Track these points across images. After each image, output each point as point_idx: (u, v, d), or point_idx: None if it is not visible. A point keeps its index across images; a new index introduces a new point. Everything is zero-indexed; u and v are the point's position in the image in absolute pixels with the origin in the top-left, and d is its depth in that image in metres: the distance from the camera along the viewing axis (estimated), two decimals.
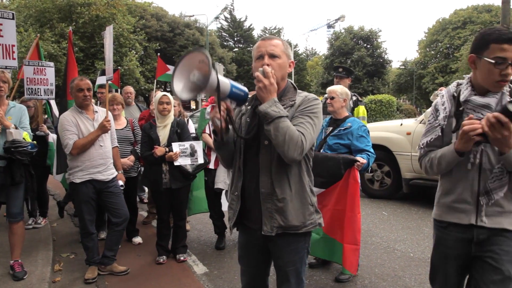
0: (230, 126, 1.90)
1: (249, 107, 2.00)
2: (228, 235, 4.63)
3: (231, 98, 1.83)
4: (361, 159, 3.25)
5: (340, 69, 5.10)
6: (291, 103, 1.89)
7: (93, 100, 3.97)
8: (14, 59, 3.56)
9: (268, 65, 1.82)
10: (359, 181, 3.25)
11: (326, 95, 5.13)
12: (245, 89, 1.87)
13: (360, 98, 4.94)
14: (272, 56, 1.85)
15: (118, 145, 4.17)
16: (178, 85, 1.74)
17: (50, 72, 4.90)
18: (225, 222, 4.49)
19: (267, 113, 1.73)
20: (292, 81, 2.02)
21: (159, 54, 7.58)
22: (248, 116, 1.97)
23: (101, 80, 6.84)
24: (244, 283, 2.20)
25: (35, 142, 3.60)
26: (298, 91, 1.98)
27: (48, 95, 4.91)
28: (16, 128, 3.43)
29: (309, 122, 1.83)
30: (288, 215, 1.87)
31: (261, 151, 1.90)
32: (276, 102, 1.76)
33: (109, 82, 4.20)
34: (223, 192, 4.27)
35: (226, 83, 1.77)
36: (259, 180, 1.89)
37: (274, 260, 2.07)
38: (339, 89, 3.64)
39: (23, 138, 3.41)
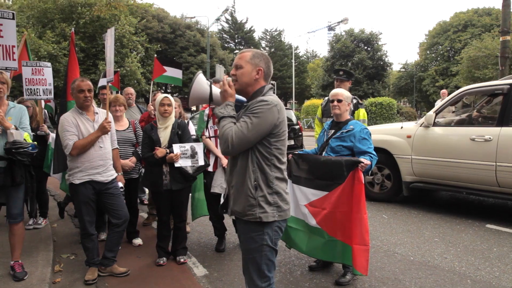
0: None
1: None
2: (228, 238, 4.62)
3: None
4: (365, 160, 3.25)
5: (341, 72, 5.11)
6: (246, 105, 2.16)
7: (93, 101, 3.98)
8: (14, 60, 3.51)
9: (234, 75, 2.19)
10: (363, 181, 3.24)
11: (326, 98, 5.12)
12: (243, 98, 2.24)
13: (360, 101, 4.95)
14: (236, 67, 2.19)
15: (120, 147, 4.18)
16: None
17: (48, 72, 4.95)
18: (225, 225, 4.49)
19: (216, 114, 2.11)
20: (270, 87, 2.23)
21: (156, 55, 7.56)
22: None
23: (102, 82, 6.85)
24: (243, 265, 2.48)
25: (35, 142, 3.59)
26: (264, 96, 2.15)
27: (47, 95, 4.95)
28: (17, 129, 3.43)
29: (245, 121, 2.04)
30: (234, 201, 2.20)
31: None
32: (228, 105, 2.10)
33: (109, 84, 4.21)
34: (222, 194, 4.26)
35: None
36: None
37: None
38: (345, 93, 3.70)
39: (24, 139, 3.41)
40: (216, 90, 2.17)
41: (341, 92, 3.69)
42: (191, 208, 4.61)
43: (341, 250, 3.33)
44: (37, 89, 4.86)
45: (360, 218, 3.16)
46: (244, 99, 2.23)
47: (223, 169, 4.19)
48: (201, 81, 2.19)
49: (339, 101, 3.62)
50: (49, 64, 5.09)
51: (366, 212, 3.20)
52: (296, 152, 3.84)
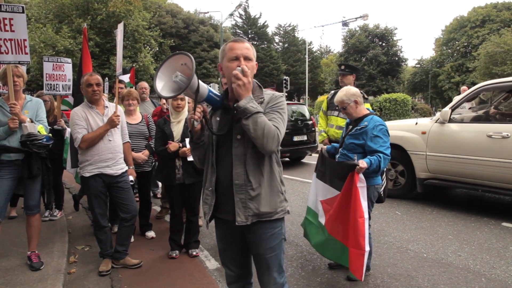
0: (205, 127, 2.04)
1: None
2: None
3: (208, 102, 2.00)
4: (362, 162, 3.07)
5: (343, 67, 5.07)
6: (260, 100, 2.03)
7: (106, 95, 4.02)
8: (26, 53, 3.52)
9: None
10: (363, 184, 3.09)
11: (333, 91, 5.07)
12: (219, 95, 2.07)
13: (366, 96, 4.87)
14: (246, 59, 1.99)
15: (133, 140, 4.21)
16: (160, 83, 1.86)
17: (68, 68, 5.07)
18: None
19: (246, 108, 1.86)
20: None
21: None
22: (218, 116, 2.10)
23: (123, 77, 6.98)
24: (230, 277, 2.28)
25: (50, 134, 3.67)
26: (264, 89, 2.13)
27: (66, 91, 5.07)
28: (32, 121, 3.50)
29: (280, 117, 2.00)
30: (261, 203, 2.01)
31: (234, 145, 2.01)
32: (252, 99, 1.90)
33: (120, 77, 4.26)
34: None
35: (205, 87, 1.92)
36: (232, 173, 2.00)
37: (253, 249, 2.15)
38: (345, 96, 3.44)
39: (38, 131, 3.47)
40: (202, 83, 1.92)
41: (341, 97, 3.46)
42: None
43: (341, 251, 3.26)
44: (56, 84, 4.99)
45: (355, 221, 3.06)
46: (220, 96, 2.06)
47: None
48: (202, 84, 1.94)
49: (344, 108, 3.47)
50: (69, 60, 5.20)
51: (363, 215, 3.04)
52: (325, 147, 3.78)
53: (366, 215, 3.06)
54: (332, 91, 5.09)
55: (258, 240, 2.09)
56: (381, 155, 3.18)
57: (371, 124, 3.31)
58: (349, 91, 3.47)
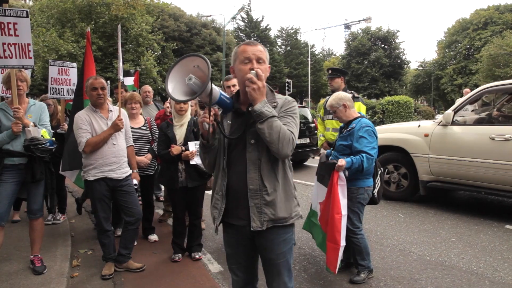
0: (217, 130, 1.99)
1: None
2: None
3: (219, 105, 1.95)
4: (341, 161, 3.22)
5: (330, 71, 5.21)
6: (274, 104, 1.99)
7: (110, 99, 4.03)
8: (30, 58, 3.54)
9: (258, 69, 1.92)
10: (343, 183, 3.25)
11: (328, 97, 5.19)
12: (230, 98, 2.02)
13: (356, 95, 4.91)
14: (259, 61, 1.95)
15: (135, 144, 4.22)
16: (172, 85, 1.80)
17: (73, 72, 5.12)
18: None
19: (262, 112, 1.83)
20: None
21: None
22: (229, 119, 2.04)
23: (127, 81, 7.02)
24: (237, 283, 2.23)
25: (53, 139, 3.68)
26: (275, 93, 2.10)
27: (70, 95, 5.10)
28: (35, 125, 3.51)
29: (293, 122, 1.98)
30: (277, 208, 1.97)
31: (247, 150, 1.97)
32: (267, 102, 1.87)
33: (123, 82, 4.28)
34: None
35: (217, 90, 1.88)
36: (246, 178, 1.96)
37: (264, 254, 2.11)
38: (334, 101, 3.61)
39: (41, 135, 3.49)
40: (214, 86, 1.88)
41: (330, 102, 3.65)
42: None
43: (324, 241, 3.42)
44: (61, 88, 5.03)
45: (332, 217, 3.21)
46: (230, 98, 2.02)
47: None
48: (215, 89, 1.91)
49: (334, 112, 3.65)
50: (74, 64, 5.25)
51: (340, 212, 3.18)
52: (325, 152, 3.91)
53: (343, 212, 3.22)
54: (327, 97, 5.20)
55: (269, 245, 2.05)
56: (364, 155, 3.31)
57: (358, 125, 3.47)
58: (337, 96, 3.66)
